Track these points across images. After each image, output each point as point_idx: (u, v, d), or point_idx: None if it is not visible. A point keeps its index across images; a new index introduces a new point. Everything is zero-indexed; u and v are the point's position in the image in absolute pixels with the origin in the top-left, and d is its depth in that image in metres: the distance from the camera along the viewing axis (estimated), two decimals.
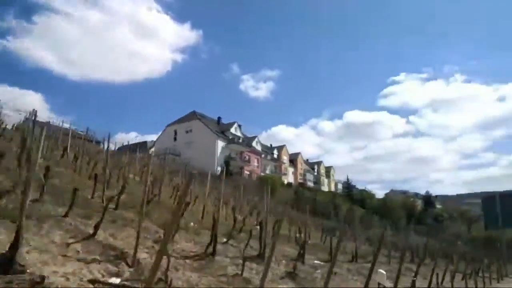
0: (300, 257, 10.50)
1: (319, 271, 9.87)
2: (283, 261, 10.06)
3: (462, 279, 15.64)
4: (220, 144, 61.32)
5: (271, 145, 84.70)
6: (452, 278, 13.90)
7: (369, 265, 15.79)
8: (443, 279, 13.15)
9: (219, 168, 55.76)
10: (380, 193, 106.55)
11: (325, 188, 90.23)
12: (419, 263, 12.80)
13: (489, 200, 21.42)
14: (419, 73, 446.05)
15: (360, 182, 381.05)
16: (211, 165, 54.09)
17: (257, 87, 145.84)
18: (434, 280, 11.88)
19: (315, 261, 10.91)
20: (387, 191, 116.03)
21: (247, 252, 9.15)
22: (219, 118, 69.97)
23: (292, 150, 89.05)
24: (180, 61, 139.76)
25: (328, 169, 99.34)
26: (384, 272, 7.54)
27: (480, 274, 16.68)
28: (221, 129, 65.68)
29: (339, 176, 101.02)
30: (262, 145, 78.02)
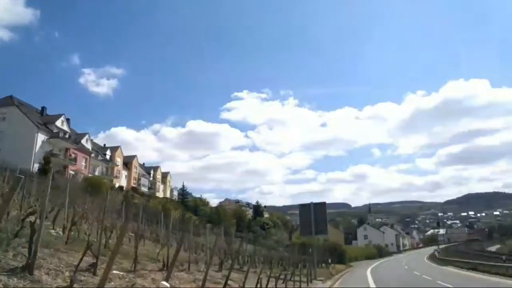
0: (92, 267, 8.37)
1: (112, 283, 7.95)
2: (66, 273, 7.77)
3: (277, 282, 15.85)
4: (41, 137, 53.01)
5: (104, 145, 77.97)
6: (267, 282, 13.78)
7: (182, 273, 14.59)
8: (259, 282, 12.73)
9: (36, 165, 48.15)
10: (216, 202, 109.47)
11: (160, 194, 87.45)
12: (248, 269, 12.20)
13: (304, 209, 22.95)
14: (260, 92, 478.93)
15: (199, 190, 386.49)
16: (26, 160, 46.19)
17: (99, 83, 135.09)
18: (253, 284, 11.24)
19: (114, 271, 8.90)
20: (223, 200, 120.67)
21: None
22: (43, 108, 60.69)
23: (131, 153, 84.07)
24: (7, 39, 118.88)
25: (165, 175, 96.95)
26: (168, 285, 6.30)
27: (294, 278, 17.19)
28: (44, 121, 56.94)
29: (176, 183, 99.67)
30: (94, 144, 70.99)
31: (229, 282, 15.71)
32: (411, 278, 25.69)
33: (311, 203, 23.14)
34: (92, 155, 64.87)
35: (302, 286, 16.70)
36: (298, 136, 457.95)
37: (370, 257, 69.88)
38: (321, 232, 23.15)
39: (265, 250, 35.46)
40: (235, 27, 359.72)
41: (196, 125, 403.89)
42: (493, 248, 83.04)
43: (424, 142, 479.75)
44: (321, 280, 22.00)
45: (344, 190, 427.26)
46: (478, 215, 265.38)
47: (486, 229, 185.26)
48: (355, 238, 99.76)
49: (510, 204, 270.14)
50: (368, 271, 34.63)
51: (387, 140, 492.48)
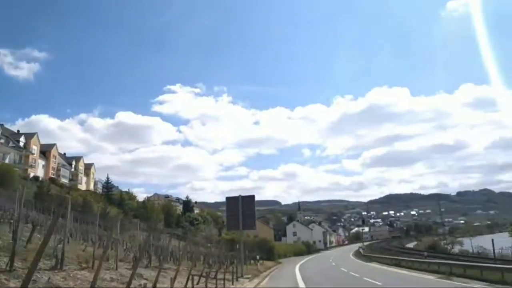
0: None
1: None
2: None
3: (199, 281, 14.14)
4: None
5: (18, 131, 70.36)
6: (187, 280, 12.02)
7: (84, 272, 12.21)
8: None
9: None
10: (144, 197, 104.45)
11: (82, 186, 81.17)
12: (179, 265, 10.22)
13: (232, 202, 21.20)
14: (193, 87, 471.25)
15: (127, 184, 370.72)
16: None
17: (18, 65, 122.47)
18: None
19: None
20: (151, 195, 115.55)
21: None
22: None
23: (53, 142, 76.81)
24: None
25: (88, 167, 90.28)
26: None
27: (217, 276, 15.51)
28: None
29: (102, 176, 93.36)
30: (4, 129, 63.62)
31: (142, 281, 13.65)
32: (339, 275, 25.24)
33: (239, 196, 21.56)
34: (1, 140, 57.91)
35: (226, 286, 15.00)
36: (231, 133, 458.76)
37: (299, 253, 70.47)
38: (249, 227, 21.64)
39: (193, 246, 33.52)
40: (171, 21, 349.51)
41: (126, 117, 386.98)
42: (410, 245, 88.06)
43: (350, 144, 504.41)
44: (247, 278, 20.53)
45: (275, 188, 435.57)
46: (398, 214, 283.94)
47: (405, 228, 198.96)
48: (285, 235, 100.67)
49: (425, 204, 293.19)
50: (296, 268, 34.00)
51: (316, 141, 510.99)
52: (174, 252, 23.72)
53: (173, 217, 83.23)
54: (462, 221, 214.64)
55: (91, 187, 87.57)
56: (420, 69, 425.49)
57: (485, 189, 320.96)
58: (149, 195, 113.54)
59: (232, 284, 16.34)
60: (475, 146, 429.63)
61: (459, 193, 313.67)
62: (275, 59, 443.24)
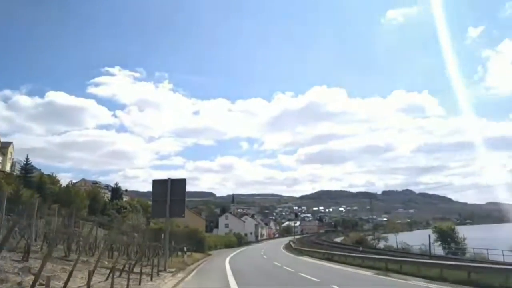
0: None
1: None
2: None
3: (108, 276, 11.56)
4: None
5: None
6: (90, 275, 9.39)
7: None
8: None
9: None
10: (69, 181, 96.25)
11: None
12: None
13: (159, 185, 18.45)
14: (133, 71, 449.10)
15: (54, 168, 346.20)
16: None
17: None
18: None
19: None
20: (79, 180, 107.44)
21: None
22: None
23: None
24: None
25: (5, 145, 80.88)
26: None
27: (132, 269, 12.96)
28: None
29: (24, 157, 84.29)
30: None
31: (26, 278, 10.73)
32: (273, 270, 23.66)
33: (168, 179, 18.92)
34: None
35: (140, 285, 12.50)
36: (170, 121, 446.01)
37: (230, 245, 68.86)
38: (178, 215, 19.09)
39: (116, 236, 30.21)
40: (115, 1, 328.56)
41: (57, 97, 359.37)
42: (338, 239, 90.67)
43: (288, 140, 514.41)
44: (171, 271, 18.04)
45: (211, 180, 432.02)
46: (327, 210, 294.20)
47: (333, 223, 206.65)
48: (217, 227, 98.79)
49: (352, 201, 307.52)
50: (227, 261, 32.08)
51: (255, 135, 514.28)
52: (94, 242, 20.69)
53: (100, 204, 77.56)
54: (385, 219, 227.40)
55: (7, 168, 78.80)
56: (358, 72, 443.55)
57: (407, 190, 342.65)
58: (75, 181, 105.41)
59: (151, 279, 13.82)
60: (402, 149, 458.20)
61: (384, 192, 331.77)
62: (219, 51, 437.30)
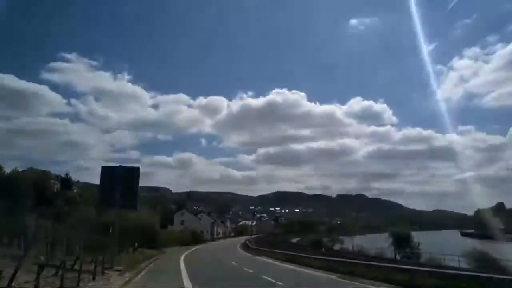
0: None
1: None
2: None
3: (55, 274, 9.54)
4: None
5: None
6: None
7: None
8: None
9: None
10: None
11: None
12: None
13: (108, 173, 16.17)
14: (91, 59, 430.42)
15: None
16: None
17: None
18: None
19: None
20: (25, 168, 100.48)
21: None
22: None
23: None
24: None
25: None
26: None
27: (64, 267, 10.92)
28: None
29: None
30: None
31: None
32: (232, 271, 22.04)
33: (120, 166, 16.80)
34: None
35: (79, 287, 10.51)
36: (128, 113, 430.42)
37: (185, 243, 66.47)
38: (130, 206, 16.96)
39: (65, 230, 27.43)
40: None
41: (6, 80, 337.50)
42: (294, 240, 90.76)
43: (247, 140, 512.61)
44: (118, 270, 15.97)
45: (167, 175, 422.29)
46: (283, 211, 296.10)
47: (288, 224, 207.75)
48: (172, 223, 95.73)
49: (308, 203, 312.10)
50: (181, 260, 30.15)
51: (215, 132, 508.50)
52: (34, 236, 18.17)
53: (47, 194, 72.55)
54: (338, 222, 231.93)
55: None
56: (319, 78, 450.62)
57: (360, 194, 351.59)
58: (22, 169, 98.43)
59: (93, 279, 11.83)
60: (357, 154, 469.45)
61: (338, 196, 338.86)
62: (183, 46, 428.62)
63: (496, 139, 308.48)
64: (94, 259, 13.34)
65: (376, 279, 17.27)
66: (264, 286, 15.40)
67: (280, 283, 15.33)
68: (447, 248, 40.93)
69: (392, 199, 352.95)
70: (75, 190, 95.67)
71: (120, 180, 16.37)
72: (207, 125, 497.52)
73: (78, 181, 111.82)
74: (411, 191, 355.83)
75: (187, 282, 14.78)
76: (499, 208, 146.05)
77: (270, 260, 32.67)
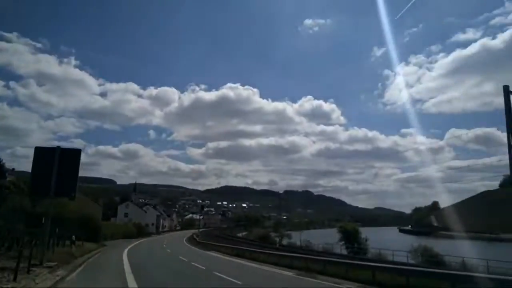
0: None
1: None
2: None
3: None
4: None
5: None
6: None
7: None
8: None
9: None
10: None
11: None
12: None
13: (42, 155, 13.82)
14: (35, 40, 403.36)
15: None
16: None
17: None
18: None
19: None
20: None
21: None
22: None
23: None
24: None
25: None
26: None
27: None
28: None
29: None
30: None
31: None
32: (181, 267, 20.30)
33: (58, 147, 14.52)
34: None
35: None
36: (73, 100, 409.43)
37: (129, 236, 63.18)
38: (67, 193, 14.61)
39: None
40: None
41: None
42: (240, 235, 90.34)
43: (197, 133, 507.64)
44: (49, 266, 13.76)
45: (112, 166, 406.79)
46: (231, 205, 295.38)
47: (235, 218, 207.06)
48: (115, 215, 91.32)
49: (255, 198, 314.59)
50: (124, 254, 27.89)
51: (164, 124, 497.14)
52: None
53: None
54: (284, 217, 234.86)
55: None
56: (272, 75, 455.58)
57: (306, 191, 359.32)
58: None
59: (14, 279, 9.75)
60: (305, 152, 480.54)
61: (285, 192, 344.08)
62: (135, 34, 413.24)
63: (434, 143, 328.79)
64: (18, 254, 11.18)
65: (336, 276, 16.44)
66: (218, 283, 13.95)
67: (239, 282, 13.92)
68: (389, 244, 41.96)
69: (336, 196, 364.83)
70: (8, 179, 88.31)
71: (58, 164, 14.07)
72: (157, 117, 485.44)
73: (13, 169, 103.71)
74: (355, 189, 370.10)
75: (131, 281, 12.94)
76: (434, 207, 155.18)
77: (219, 255, 31.19)
